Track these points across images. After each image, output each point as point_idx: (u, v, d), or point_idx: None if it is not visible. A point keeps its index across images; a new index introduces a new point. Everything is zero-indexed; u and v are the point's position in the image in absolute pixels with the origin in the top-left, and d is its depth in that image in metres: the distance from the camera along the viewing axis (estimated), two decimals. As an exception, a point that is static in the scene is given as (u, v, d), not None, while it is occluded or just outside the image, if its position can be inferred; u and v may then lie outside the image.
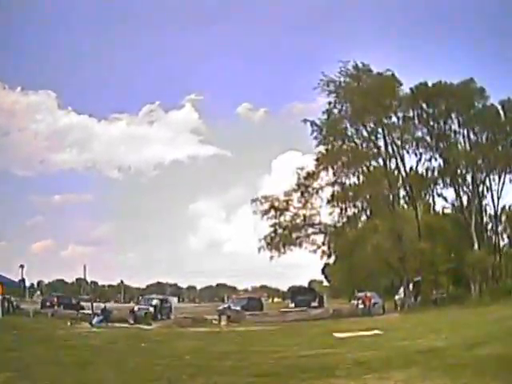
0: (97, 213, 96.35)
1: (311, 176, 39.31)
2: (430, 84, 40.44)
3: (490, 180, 41.23)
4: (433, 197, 44.22)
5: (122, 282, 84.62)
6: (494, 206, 41.77)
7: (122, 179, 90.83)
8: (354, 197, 39.47)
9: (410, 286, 37.46)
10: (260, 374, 9.76)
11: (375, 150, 39.55)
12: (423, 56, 66.51)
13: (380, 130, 39.28)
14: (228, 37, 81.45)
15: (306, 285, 58.78)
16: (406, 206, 42.46)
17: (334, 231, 39.40)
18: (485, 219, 42.08)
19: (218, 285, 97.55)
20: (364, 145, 39.76)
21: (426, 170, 41.85)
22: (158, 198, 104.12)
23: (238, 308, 33.69)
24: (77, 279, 74.40)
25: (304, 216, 39.53)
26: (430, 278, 38.10)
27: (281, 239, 39.34)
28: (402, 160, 40.16)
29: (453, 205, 42.72)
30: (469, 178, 41.32)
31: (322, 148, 39.21)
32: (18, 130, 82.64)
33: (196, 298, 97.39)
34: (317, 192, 39.44)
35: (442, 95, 39.99)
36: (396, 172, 40.34)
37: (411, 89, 40.31)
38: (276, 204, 39.71)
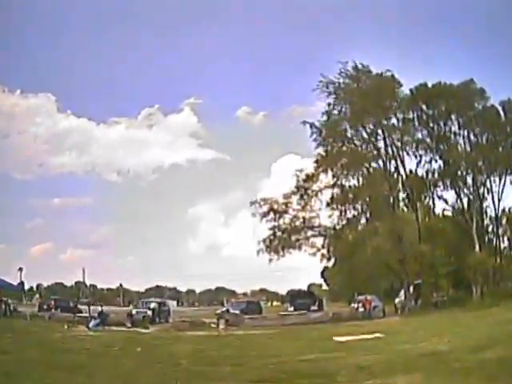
0: (96, 216, 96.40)
1: (310, 178, 38.99)
2: (429, 85, 40.17)
3: (490, 182, 40.94)
4: (433, 199, 43.85)
5: (121, 285, 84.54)
6: (495, 208, 41.47)
7: (121, 183, 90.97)
8: (354, 199, 39.12)
9: (411, 288, 37.12)
10: (259, 380, 9.52)
11: (375, 152, 39.26)
12: (423, 57, 66.20)
13: (380, 131, 39.02)
14: (227, 40, 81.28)
15: (305, 288, 58.70)
16: (406, 209, 42.16)
17: (333, 234, 39.02)
18: (485, 221, 41.77)
19: (217, 288, 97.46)
20: (364, 146, 39.50)
21: (426, 171, 41.52)
22: (157, 201, 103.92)
23: (237, 311, 33.31)
24: (76, 282, 74.41)
25: (303, 218, 39.18)
26: (431, 280, 37.75)
27: (280, 242, 38.95)
28: (402, 162, 39.89)
29: (453, 207, 42.45)
30: (469, 179, 41.04)
31: (321, 150, 39.00)
32: (18, 132, 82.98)
33: (195, 301, 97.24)
34: (316, 194, 39.13)
35: (441, 96, 39.71)
36: (396, 174, 40.07)
37: (411, 90, 40.09)
38: (275, 207, 39.35)
